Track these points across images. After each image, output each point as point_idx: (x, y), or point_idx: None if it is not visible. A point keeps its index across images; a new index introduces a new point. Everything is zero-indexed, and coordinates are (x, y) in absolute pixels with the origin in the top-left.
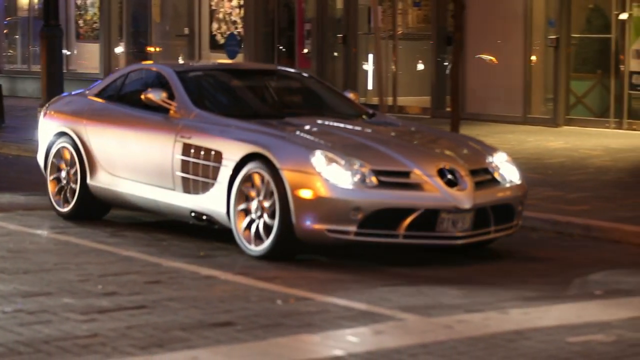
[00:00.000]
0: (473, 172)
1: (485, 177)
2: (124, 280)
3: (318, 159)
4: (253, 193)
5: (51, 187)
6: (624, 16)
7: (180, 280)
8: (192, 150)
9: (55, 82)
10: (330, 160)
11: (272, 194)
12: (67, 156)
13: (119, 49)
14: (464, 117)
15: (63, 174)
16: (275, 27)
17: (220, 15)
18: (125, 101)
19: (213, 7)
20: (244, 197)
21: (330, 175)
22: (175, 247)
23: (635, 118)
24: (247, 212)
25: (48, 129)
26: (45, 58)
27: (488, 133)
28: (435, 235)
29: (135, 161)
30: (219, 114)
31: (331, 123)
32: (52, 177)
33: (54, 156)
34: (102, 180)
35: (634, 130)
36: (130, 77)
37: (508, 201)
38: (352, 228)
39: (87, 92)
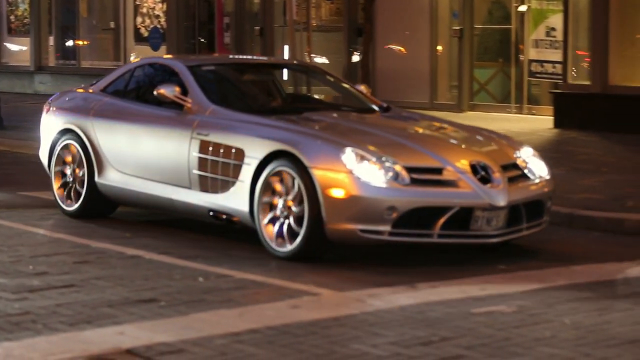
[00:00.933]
0: (504, 168)
1: (515, 173)
2: (54, 260)
3: (349, 156)
4: (278, 192)
5: (56, 185)
6: (523, 8)
7: (107, 260)
8: (211, 148)
9: None
10: (361, 158)
11: (299, 193)
12: (73, 153)
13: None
14: None
15: (68, 171)
16: (196, 20)
17: (144, 10)
18: (134, 97)
19: (137, 2)
20: (269, 192)
21: (362, 173)
22: (103, 229)
23: (534, 103)
24: (271, 211)
25: (51, 126)
26: None
27: None
28: (470, 234)
29: (147, 159)
30: (236, 110)
31: (351, 118)
32: (56, 175)
33: (59, 153)
34: (112, 179)
35: (534, 114)
36: (137, 73)
37: (539, 197)
38: (386, 228)
39: (91, 87)
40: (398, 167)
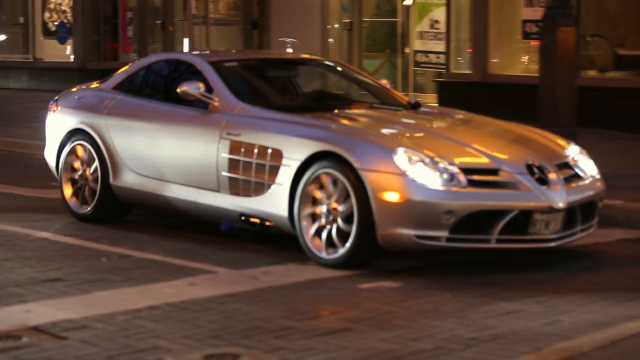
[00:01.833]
0: (558, 167)
1: (569, 173)
2: None
3: (401, 157)
4: (321, 195)
5: (66, 188)
6: (408, 2)
7: (15, 242)
8: (243, 149)
9: None
10: (415, 159)
11: (346, 196)
12: (83, 154)
13: None
14: None
15: (79, 173)
16: (101, 15)
17: (52, 5)
18: (151, 95)
19: None
20: (310, 200)
21: (417, 175)
22: (12, 214)
23: (420, 91)
24: (314, 216)
25: (59, 126)
26: None
27: None
28: (528, 239)
29: (169, 160)
30: (266, 108)
31: (386, 116)
32: (66, 177)
33: (68, 154)
34: (128, 181)
35: None
36: (152, 69)
37: (593, 198)
38: (444, 233)
39: (101, 85)
40: (454, 169)
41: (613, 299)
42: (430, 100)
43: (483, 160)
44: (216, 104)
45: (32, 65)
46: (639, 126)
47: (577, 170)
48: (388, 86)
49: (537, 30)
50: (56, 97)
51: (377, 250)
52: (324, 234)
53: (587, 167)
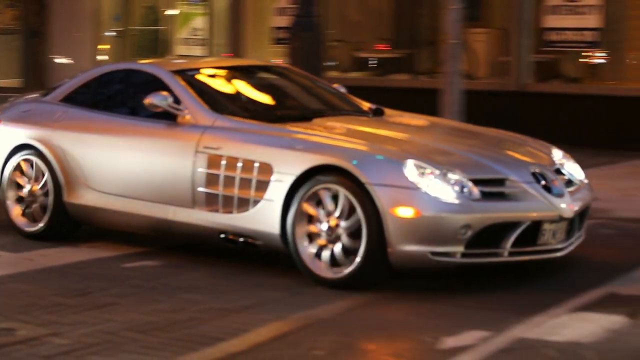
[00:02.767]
0: (556, 173)
1: (565, 179)
2: None
3: (410, 169)
4: (317, 212)
5: (11, 207)
6: (172, 12)
7: None
8: (224, 162)
9: None
10: (424, 171)
11: (350, 212)
12: (30, 171)
13: None
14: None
15: (25, 190)
16: None
17: None
18: (107, 107)
19: None
20: (306, 217)
21: (430, 188)
22: None
23: None
24: (311, 235)
25: (3, 141)
26: None
27: None
28: (538, 250)
29: (136, 176)
30: (246, 119)
31: (371, 124)
32: (11, 196)
33: (13, 171)
34: (85, 198)
35: None
36: (104, 80)
37: (589, 204)
38: (459, 249)
39: (47, 97)
40: (465, 180)
41: None
42: None
43: (489, 170)
44: (187, 116)
45: None
46: None
47: (568, 175)
48: (345, 92)
49: (286, 37)
50: None
51: (388, 268)
52: (325, 254)
53: (575, 172)
